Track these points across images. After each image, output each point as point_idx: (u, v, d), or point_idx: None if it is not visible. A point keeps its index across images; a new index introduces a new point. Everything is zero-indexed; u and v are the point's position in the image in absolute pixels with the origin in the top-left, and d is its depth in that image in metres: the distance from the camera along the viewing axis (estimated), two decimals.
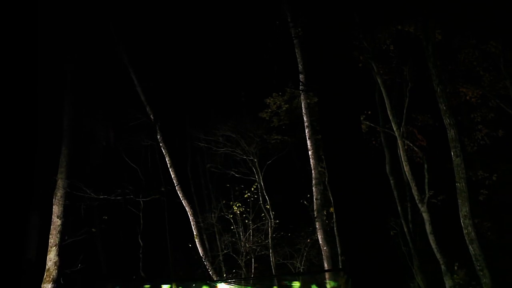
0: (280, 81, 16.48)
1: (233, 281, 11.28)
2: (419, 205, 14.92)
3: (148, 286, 10.94)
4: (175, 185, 15.90)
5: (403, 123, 15.45)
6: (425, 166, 15.79)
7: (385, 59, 15.78)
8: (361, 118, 15.10)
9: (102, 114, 18.33)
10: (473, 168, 15.98)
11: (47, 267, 12.95)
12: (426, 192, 15.30)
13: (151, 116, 16.43)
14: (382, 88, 15.50)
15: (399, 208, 16.38)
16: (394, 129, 15.33)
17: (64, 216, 13.57)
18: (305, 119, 14.98)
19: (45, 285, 12.71)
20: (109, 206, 18.33)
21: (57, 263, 12.99)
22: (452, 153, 13.56)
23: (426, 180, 15.54)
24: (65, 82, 14.56)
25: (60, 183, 13.65)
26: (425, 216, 14.70)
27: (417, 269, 15.87)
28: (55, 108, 14.43)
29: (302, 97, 15.11)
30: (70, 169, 14.06)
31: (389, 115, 15.40)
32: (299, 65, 15.03)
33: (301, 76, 14.93)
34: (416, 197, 14.95)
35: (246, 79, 18.09)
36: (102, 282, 13.87)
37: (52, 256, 13.01)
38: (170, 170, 16.07)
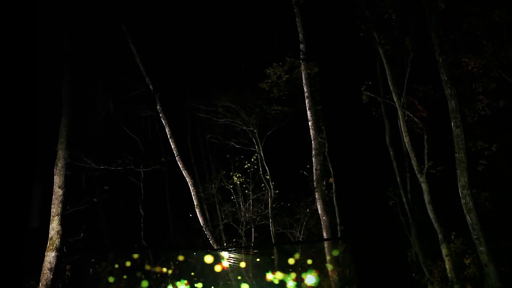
0: (280, 50, 16.30)
1: (233, 250, 11.47)
2: (418, 176, 15.02)
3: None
4: (175, 155, 15.95)
5: (403, 94, 15.38)
6: (425, 137, 15.80)
7: (386, 29, 15.56)
8: (362, 89, 15.02)
9: (101, 84, 18.21)
10: (473, 139, 15.99)
11: (50, 236, 13.13)
12: (425, 162, 15.37)
13: (150, 86, 16.33)
14: (383, 58, 15.36)
15: (398, 179, 16.50)
16: (395, 99, 15.28)
17: (66, 186, 13.65)
18: (305, 89, 14.90)
19: (48, 253, 12.91)
20: (110, 176, 18.44)
21: (60, 232, 13.15)
22: (452, 124, 13.55)
23: (426, 151, 15.59)
24: (63, 52, 14.41)
25: (60, 153, 13.68)
26: (424, 186, 14.81)
27: (414, 238, 16.11)
28: (53, 78, 14.33)
29: (302, 67, 14.99)
30: (70, 139, 14.06)
31: (390, 86, 15.32)
32: (300, 34, 14.84)
33: (301, 45, 14.77)
34: (415, 168, 15.04)
35: (246, 49, 17.89)
36: (105, 250, 14.09)
37: (54, 225, 13.16)
38: (170, 140, 16.08)
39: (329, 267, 13.27)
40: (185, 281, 11.02)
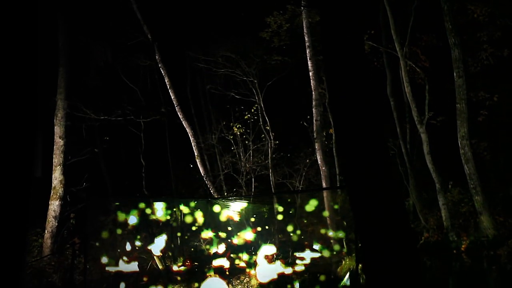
0: None
1: (234, 199, 11.68)
2: (418, 126, 15.04)
3: (143, 204, 11.31)
4: (175, 106, 15.89)
5: (406, 43, 15.11)
6: (426, 87, 15.68)
7: None
8: (364, 38, 14.74)
9: (99, 33, 17.83)
10: (475, 89, 15.87)
11: (53, 185, 13.33)
12: (426, 113, 15.34)
13: (148, 35, 16.02)
14: (386, 6, 14.96)
15: (398, 130, 16.53)
16: (397, 49, 15.03)
17: (66, 136, 13.71)
18: (306, 39, 14.63)
19: (52, 201, 13.17)
20: (110, 127, 18.48)
21: (63, 182, 13.34)
22: (455, 74, 13.41)
23: (427, 101, 15.51)
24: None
25: (60, 103, 13.63)
26: (423, 137, 14.86)
27: (412, 188, 16.35)
28: (50, 27, 14.02)
29: (303, 15, 14.65)
30: (69, 89, 13.96)
31: (393, 35, 15.01)
32: None
33: None
34: (415, 118, 15.03)
35: None
36: (107, 199, 14.35)
37: (57, 175, 13.34)
38: (169, 91, 15.97)
39: (328, 215, 13.55)
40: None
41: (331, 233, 13.31)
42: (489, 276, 11.65)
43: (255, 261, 9.96)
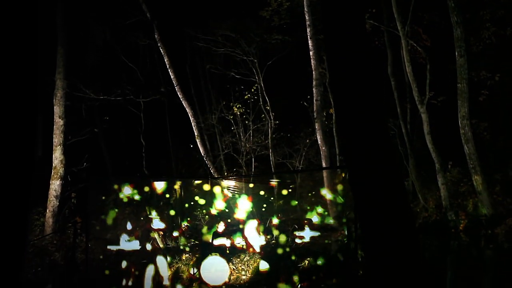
0: None
1: (234, 179, 11.73)
2: (419, 106, 15.00)
3: (144, 184, 11.37)
4: (175, 85, 15.81)
5: (408, 22, 14.95)
6: (428, 66, 15.58)
7: None
8: (365, 17, 14.56)
9: (97, 12, 17.63)
10: (476, 68, 15.76)
11: (53, 165, 13.36)
12: (427, 93, 15.28)
13: (147, 14, 15.83)
14: None
15: (398, 110, 16.48)
16: (399, 28, 14.87)
17: (66, 116, 13.68)
18: (306, 17, 14.47)
19: (53, 181, 13.22)
20: (110, 107, 18.43)
21: (63, 162, 13.37)
22: (456, 53, 13.30)
23: (428, 81, 15.44)
24: None
25: (59, 83, 13.55)
26: (424, 117, 14.84)
27: (412, 168, 16.39)
28: (47, 5, 13.85)
29: None
30: (68, 69, 13.86)
31: (394, 13, 14.83)
32: None
33: None
34: (416, 98, 14.97)
35: None
36: (108, 179, 14.41)
37: (57, 155, 13.35)
38: (169, 70, 15.87)
39: (327, 195, 13.63)
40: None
41: (330, 213, 13.41)
42: (487, 255, 11.79)
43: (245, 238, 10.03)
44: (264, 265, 8.73)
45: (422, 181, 16.34)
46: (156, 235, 9.99)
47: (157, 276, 8.41)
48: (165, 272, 8.44)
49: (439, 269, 9.72)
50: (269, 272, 8.48)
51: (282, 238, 9.67)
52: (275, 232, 10.34)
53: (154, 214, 11.38)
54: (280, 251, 9.25)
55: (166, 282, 8.30)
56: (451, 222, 14.02)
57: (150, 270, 8.83)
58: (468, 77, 13.33)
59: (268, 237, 10.40)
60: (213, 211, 11.40)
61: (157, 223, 10.50)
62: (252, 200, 10.96)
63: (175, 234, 10.69)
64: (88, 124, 16.75)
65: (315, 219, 9.75)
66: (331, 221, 12.77)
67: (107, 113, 18.97)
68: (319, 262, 8.35)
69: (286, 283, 8.01)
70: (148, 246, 9.79)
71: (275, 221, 11.27)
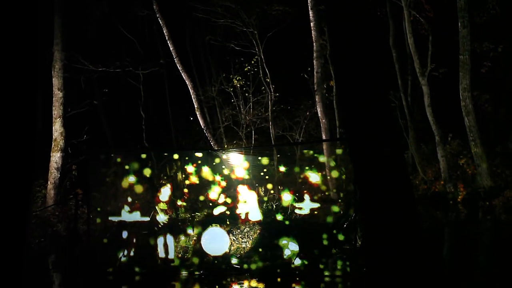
0: None
1: (234, 151, 11.74)
2: (420, 78, 14.90)
3: (144, 155, 11.36)
4: (174, 57, 15.65)
5: None
6: (430, 38, 15.41)
7: None
8: None
9: None
10: (479, 39, 15.55)
11: (54, 137, 13.37)
12: (428, 65, 15.16)
13: None
14: None
15: (399, 82, 16.38)
16: None
17: (65, 88, 13.60)
18: None
19: (54, 153, 13.26)
20: (109, 79, 18.31)
21: (63, 134, 13.37)
22: (459, 24, 13.13)
23: (429, 53, 15.29)
24: None
25: (57, 55, 13.42)
26: (425, 89, 14.77)
27: (412, 140, 16.41)
28: None
29: None
30: (65, 40, 13.70)
31: None
32: None
33: None
34: (417, 70, 14.87)
35: None
36: (108, 151, 14.43)
37: (57, 127, 13.34)
38: (168, 42, 15.68)
39: (327, 167, 13.68)
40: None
41: (330, 185, 13.48)
42: (484, 226, 11.93)
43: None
44: (263, 236, 8.84)
45: (422, 154, 16.40)
46: (158, 207, 10.08)
47: (160, 247, 8.52)
48: (169, 244, 8.54)
49: (436, 240, 9.86)
50: (269, 243, 8.59)
51: (282, 210, 9.74)
52: (275, 205, 10.42)
53: (154, 186, 11.44)
54: (280, 221, 9.34)
55: (164, 254, 8.41)
56: (450, 194, 14.14)
57: (152, 241, 8.95)
58: (471, 49, 13.20)
59: (268, 208, 10.48)
60: (213, 183, 11.47)
61: (163, 195, 10.57)
62: (252, 172, 11.00)
63: (179, 203, 10.77)
64: (88, 97, 16.67)
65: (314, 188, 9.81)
66: (330, 193, 12.85)
67: (107, 86, 18.85)
68: (319, 234, 8.44)
69: (286, 254, 8.12)
70: (150, 218, 9.88)
71: (275, 192, 11.34)
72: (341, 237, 8.55)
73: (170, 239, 8.64)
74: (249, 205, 10.30)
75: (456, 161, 15.00)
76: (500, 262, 8.00)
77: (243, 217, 9.75)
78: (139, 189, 11.29)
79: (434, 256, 7.79)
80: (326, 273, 7.81)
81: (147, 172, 11.30)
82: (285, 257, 8.08)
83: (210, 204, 10.53)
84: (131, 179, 11.96)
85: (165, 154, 12.46)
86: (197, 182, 11.16)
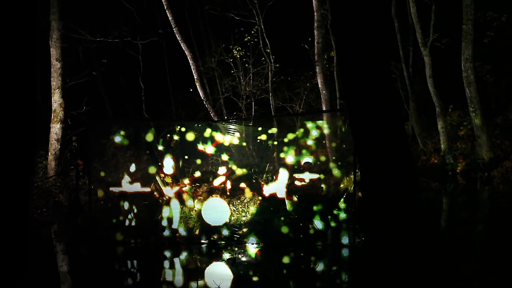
0: None
1: (234, 122, 11.72)
2: (422, 49, 14.74)
3: (144, 127, 11.34)
4: (173, 27, 15.42)
5: None
6: (433, 7, 15.16)
7: None
8: None
9: None
10: (483, 8, 15.29)
11: (53, 108, 13.32)
12: (430, 35, 14.97)
13: None
14: None
15: (401, 52, 16.21)
16: None
17: (63, 59, 13.46)
18: None
19: (53, 125, 13.24)
20: (108, 49, 18.10)
21: (62, 105, 13.32)
22: None
23: (432, 23, 15.08)
24: None
25: (54, 24, 13.21)
26: (426, 59, 14.63)
27: (412, 112, 16.38)
28: None
29: None
30: (62, 9, 13.47)
31: None
32: None
33: None
34: (419, 41, 14.69)
35: None
36: (108, 122, 14.41)
37: (56, 98, 13.28)
38: (167, 11, 15.41)
39: (327, 139, 13.70)
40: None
41: (330, 157, 13.53)
42: (481, 196, 12.04)
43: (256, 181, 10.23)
44: (264, 207, 8.92)
45: (422, 125, 16.39)
46: (157, 178, 10.13)
47: (161, 218, 8.61)
48: (171, 215, 8.62)
49: (434, 210, 9.97)
50: (269, 214, 8.68)
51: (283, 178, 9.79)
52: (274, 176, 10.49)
53: (155, 157, 11.47)
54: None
55: (167, 223, 8.50)
56: (449, 165, 14.20)
57: (153, 211, 9.04)
58: (474, 18, 13.00)
59: (268, 178, 10.55)
60: (213, 155, 11.50)
61: (159, 166, 10.60)
62: (252, 144, 11.04)
63: (177, 177, 10.83)
64: (86, 67, 16.53)
65: (309, 159, 9.82)
66: (330, 164, 12.91)
67: (105, 56, 18.67)
68: (317, 204, 8.52)
69: (286, 225, 8.21)
70: (150, 188, 9.94)
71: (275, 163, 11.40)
72: (340, 207, 8.64)
73: (170, 210, 8.71)
74: (249, 177, 10.38)
75: (456, 132, 15.02)
76: (496, 231, 8.10)
77: (242, 187, 9.84)
78: (139, 160, 11.32)
79: (432, 226, 7.88)
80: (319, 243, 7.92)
81: (146, 143, 11.31)
82: (282, 228, 8.17)
83: (210, 178, 10.61)
84: (131, 150, 11.97)
85: (165, 125, 12.42)
86: (197, 153, 11.19)
